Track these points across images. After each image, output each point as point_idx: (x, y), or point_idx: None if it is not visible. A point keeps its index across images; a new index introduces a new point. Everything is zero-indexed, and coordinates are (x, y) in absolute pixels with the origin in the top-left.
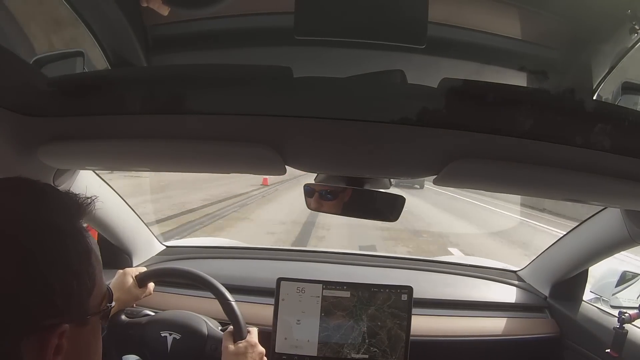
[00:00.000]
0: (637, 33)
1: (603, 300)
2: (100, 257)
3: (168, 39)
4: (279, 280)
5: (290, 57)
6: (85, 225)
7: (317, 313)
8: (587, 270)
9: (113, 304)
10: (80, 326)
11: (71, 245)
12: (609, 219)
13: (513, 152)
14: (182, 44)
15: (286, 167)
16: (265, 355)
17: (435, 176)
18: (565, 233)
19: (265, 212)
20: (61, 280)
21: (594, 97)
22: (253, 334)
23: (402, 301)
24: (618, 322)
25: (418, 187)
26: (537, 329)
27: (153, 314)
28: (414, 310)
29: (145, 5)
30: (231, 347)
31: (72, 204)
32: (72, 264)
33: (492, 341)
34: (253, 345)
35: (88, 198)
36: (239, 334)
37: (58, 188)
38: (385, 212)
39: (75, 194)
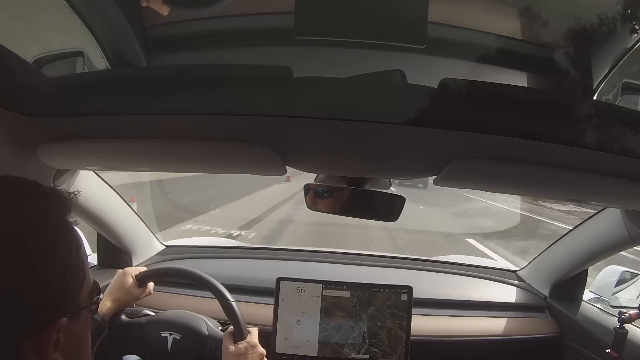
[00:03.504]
0: (637, 33)
1: (603, 300)
2: (86, 251)
3: (168, 39)
4: (279, 280)
5: (290, 57)
6: (74, 219)
7: (317, 313)
8: (586, 270)
9: (101, 296)
10: (74, 320)
11: (63, 239)
12: (609, 219)
13: (513, 152)
14: (182, 44)
15: (286, 167)
16: (266, 356)
17: (435, 176)
18: (565, 233)
19: None
20: (56, 275)
21: (594, 97)
22: (253, 335)
23: (402, 301)
24: (618, 322)
25: (422, 186)
26: (537, 329)
27: (153, 314)
28: (414, 310)
29: (145, 5)
30: (231, 347)
31: (59, 199)
32: (65, 258)
33: (492, 341)
34: (253, 346)
35: (71, 193)
36: (239, 335)
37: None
38: (385, 212)
39: (59, 190)
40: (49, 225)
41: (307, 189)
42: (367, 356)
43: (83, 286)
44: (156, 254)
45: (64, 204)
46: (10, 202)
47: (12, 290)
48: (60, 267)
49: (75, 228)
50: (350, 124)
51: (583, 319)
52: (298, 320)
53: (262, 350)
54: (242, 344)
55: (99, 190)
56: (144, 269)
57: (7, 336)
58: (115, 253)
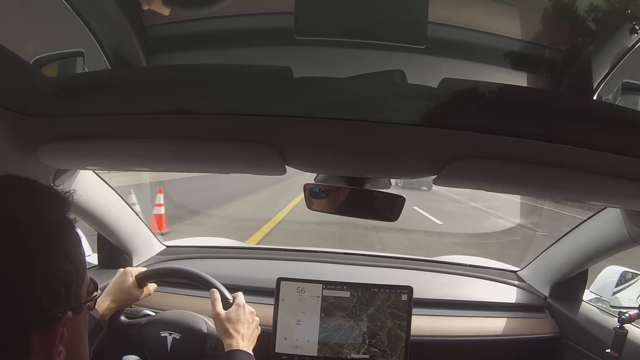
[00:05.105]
0: (637, 33)
1: (603, 300)
2: (85, 250)
3: (168, 39)
4: (279, 280)
5: (290, 57)
6: (73, 217)
7: (317, 313)
8: (587, 271)
9: (99, 292)
10: (76, 315)
11: (68, 235)
12: (609, 219)
13: (513, 152)
14: (182, 44)
15: (286, 167)
16: (265, 356)
17: (435, 176)
18: (565, 233)
19: None
20: (63, 269)
21: (594, 97)
22: (239, 296)
23: (402, 301)
24: (618, 322)
25: (425, 189)
26: (537, 329)
27: (153, 314)
28: (414, 310)
29: (146, 8)
30: (222, 312)
31: (54, 197)
32: (70, 254)
33: (492, 341)
34: (242, 306)
35: (67, 192)
36: (226, 302)
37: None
38: (385, 212)
39: (55, 188)
40: (55, 222)
41: (306, 189)
42: (367, 356)
43: (84, 281)
44: (156, 254)
45: (60, 201)
46: (15, 200)
47: (23, 284)
48: (66, 261)
49: (75, 226)
50: (350, 123)
51: (583, 319)
52: (298, 321)
53: (251, 308)
54: (231, 308)
55: (99, 190)
56: (144, 269)
57: (18, 329)
58: (115, 253)
